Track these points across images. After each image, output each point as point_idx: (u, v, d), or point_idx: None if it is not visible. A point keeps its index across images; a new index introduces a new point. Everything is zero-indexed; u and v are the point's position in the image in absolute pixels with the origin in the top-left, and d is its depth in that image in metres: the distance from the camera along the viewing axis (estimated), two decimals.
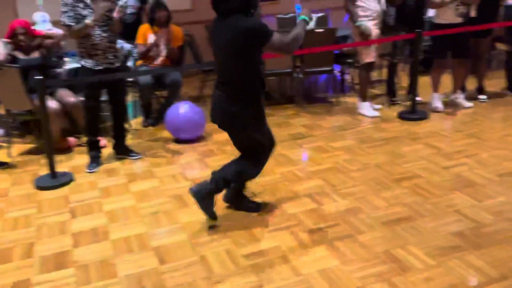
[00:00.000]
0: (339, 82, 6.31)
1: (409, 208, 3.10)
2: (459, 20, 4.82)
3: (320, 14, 6.26)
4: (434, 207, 3.10)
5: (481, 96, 5.36)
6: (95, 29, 3.74)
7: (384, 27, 5.06)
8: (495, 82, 5.85)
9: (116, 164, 4.15)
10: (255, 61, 2.76)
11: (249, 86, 2.77)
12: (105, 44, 3.81)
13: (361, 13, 4.83)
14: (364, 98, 5.17)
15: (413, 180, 3.51)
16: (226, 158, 4.17)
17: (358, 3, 4.81)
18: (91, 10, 3.69)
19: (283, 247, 2.75)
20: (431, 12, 5.16)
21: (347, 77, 6.34)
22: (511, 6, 5.14)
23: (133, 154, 4.27)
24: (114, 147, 4.26)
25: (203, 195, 2.90)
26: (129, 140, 4.53)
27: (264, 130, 2.95)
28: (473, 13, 4.86)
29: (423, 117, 4.85)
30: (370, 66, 5.05)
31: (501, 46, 6.49)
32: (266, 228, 2.98)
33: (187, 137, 4.59)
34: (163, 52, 5.10)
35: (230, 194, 3.19)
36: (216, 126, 2.91)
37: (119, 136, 4.23)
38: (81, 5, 3.70)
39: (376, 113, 5.09)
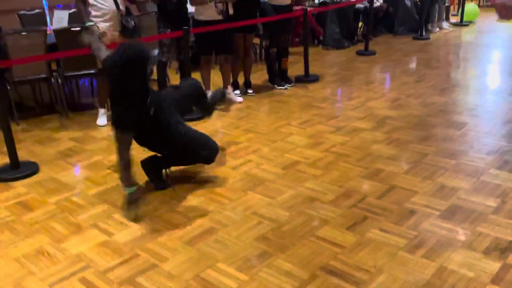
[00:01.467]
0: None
1: (209, 219, 2.89)
2: (219, 17, 4.86)
3: (72, 11, 5.54)
4: (233, 213, 2.96)
5: (249, 90, 5.56)
6: None
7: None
8: (258, 75, 6.18)
9: None
10: None
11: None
12: None
13: (93, 12, 4.31)
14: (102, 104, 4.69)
15: (205, 186, 3.32)
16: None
17: (90, 1, 4.23)
18: None
19: None
20: (192, 9, 5.08)
21: None
22: (265, 2, 5.43)
23: None
24: None
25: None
26: None
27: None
28: (230, 10, 4.95)
29: (201, 116, 4.73)
30: None
31: (257, 41, 6.93)
32: (44, 281, 2.36)
33: None
34: None
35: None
36: None
37: None
38: None
39: None
